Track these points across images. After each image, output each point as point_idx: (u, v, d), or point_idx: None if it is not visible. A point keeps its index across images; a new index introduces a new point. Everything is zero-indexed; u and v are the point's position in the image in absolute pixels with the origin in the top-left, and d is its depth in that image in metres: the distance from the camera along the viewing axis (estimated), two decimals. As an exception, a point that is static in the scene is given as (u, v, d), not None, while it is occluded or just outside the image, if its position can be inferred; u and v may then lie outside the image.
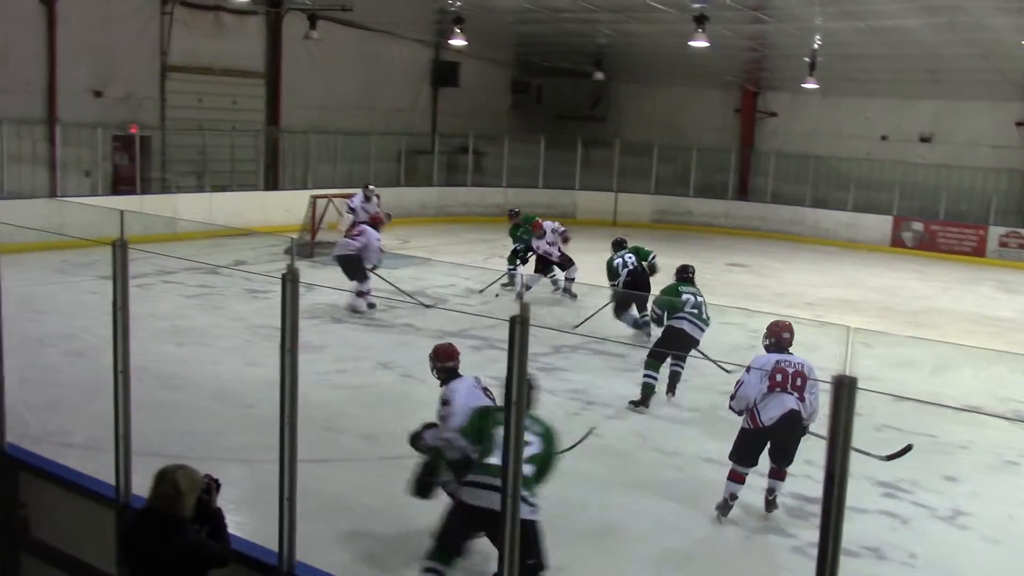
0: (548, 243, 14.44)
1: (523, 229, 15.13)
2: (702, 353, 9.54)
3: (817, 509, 3.17)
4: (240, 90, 21.09)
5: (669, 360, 9.39)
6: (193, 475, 4.00)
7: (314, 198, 17.47)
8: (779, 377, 6.67)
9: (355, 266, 12.64)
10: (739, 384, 6.87)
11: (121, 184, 18.55)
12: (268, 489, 4.36)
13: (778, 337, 7.04)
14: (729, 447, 6.92)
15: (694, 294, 9.43)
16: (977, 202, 23.22)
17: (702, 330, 9.32)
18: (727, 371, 9.60)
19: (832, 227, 24.23)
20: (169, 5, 18.97)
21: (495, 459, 4.90)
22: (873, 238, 23.72)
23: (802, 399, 6.61)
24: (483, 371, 9.70)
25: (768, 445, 6.75)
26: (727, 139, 27.08)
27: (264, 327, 10.98)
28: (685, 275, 9.72)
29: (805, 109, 26.07)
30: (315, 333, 10.97)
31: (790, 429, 6.61)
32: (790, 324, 7.11)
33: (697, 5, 16.11)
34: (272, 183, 21.55)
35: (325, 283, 14.14)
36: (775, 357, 6.85)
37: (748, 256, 20.82)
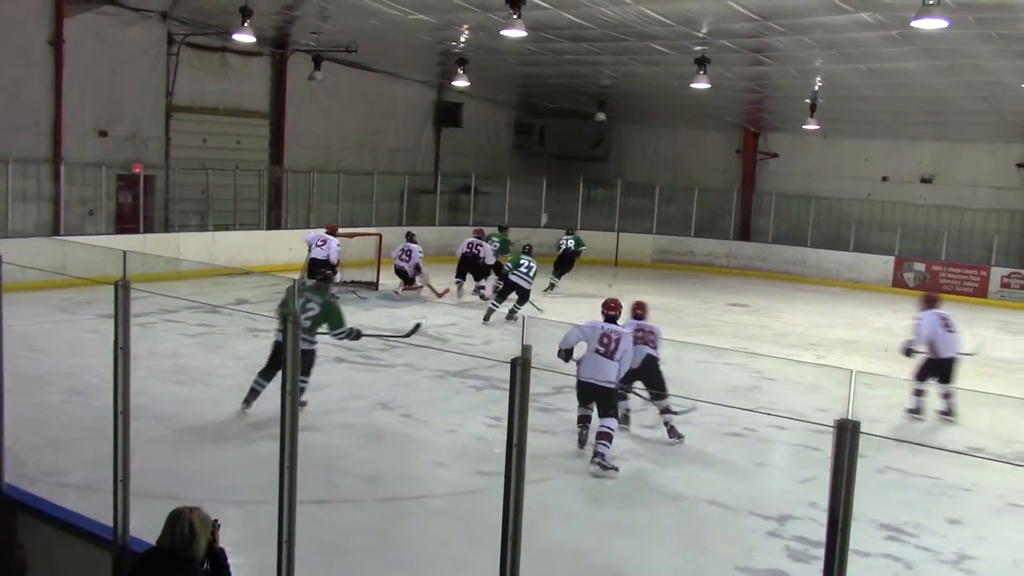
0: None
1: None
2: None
3: (820, 552, 3.14)
4: (244, 130, 21.24)
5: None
6: (206, 517, 4.00)
7: (317, 238, 17.51)
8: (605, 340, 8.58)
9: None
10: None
11: (124, 223, 18.63)
12: (267, 530, 4.33)
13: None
14: (737, 488, 6.90)
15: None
16: (978, 243, 23.25)
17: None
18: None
19: (834, 267, 24.26)
20: (175, 46, 19.16)
21: None
22: (875, 278, 23.74)
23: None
24: (484, 412, 9.73)
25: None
26: (729, 180, 27.20)
27: (265, 367, 10.95)
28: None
29: (806, 150, 26.22)
30: (316, 373, 10.91)
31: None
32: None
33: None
34: (275, 222, 21.65)
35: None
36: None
37: (750, 296, 20.81)
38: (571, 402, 10.57)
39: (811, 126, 22.37)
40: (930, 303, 11.38)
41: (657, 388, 9.29)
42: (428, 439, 9.23)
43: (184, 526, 3.89)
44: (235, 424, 9.11)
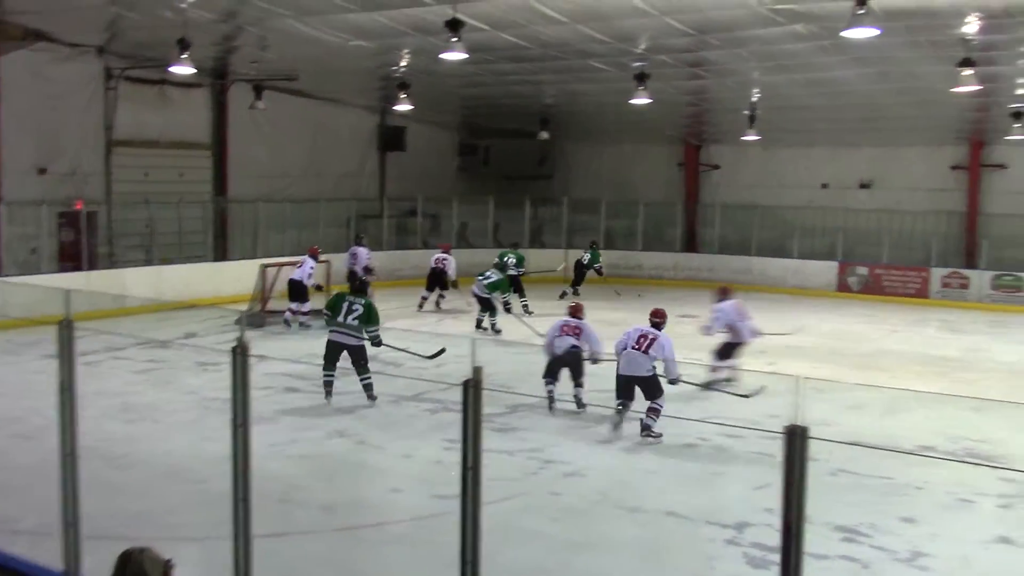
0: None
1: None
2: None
3: (778, 558, 3.18)
4: (187, 162, 21.02)
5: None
6: (156, 557, 3.92)
7: (264, 267, 17.37)
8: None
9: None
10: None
11: (67, 261, 18.30)
12: (223, 566, 4.27)
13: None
14: (694, 498, 6.94)
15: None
16: (918, 245, 23.77)
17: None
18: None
19: (779, 275, 24.59)
20: (113, 81, 18.94)
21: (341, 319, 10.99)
22: (819, 284, 24.12)
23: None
24: (440, 435, 9.70)
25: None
26: (673, 193, 27.53)
27: (216, 400, 10.79)
28: None
29: (747, 161, 26.64)
30: (268, 404, 10.83)
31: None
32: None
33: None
34: (221, 254, 21.43)
35: (278, 353, 14.04)
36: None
37: (698, 307, 20.84)
38: (527, 421, 10.62)
39: (751, 137, 22.73)
40: (725, 294, 13.10)
41: (576, 374, 11.08)
42: (384, 465, 9.18)
43: (135, 568, 3.81)
44: (187, 460, 8.99)
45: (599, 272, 22.78)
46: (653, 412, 9.96)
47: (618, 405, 10.19)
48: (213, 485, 7.87)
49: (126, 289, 17.49)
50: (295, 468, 8.89)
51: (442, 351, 11.94)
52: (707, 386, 11.94)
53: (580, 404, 11.13)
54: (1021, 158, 23.37)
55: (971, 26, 13.16)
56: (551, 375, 11.19)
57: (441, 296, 19.60)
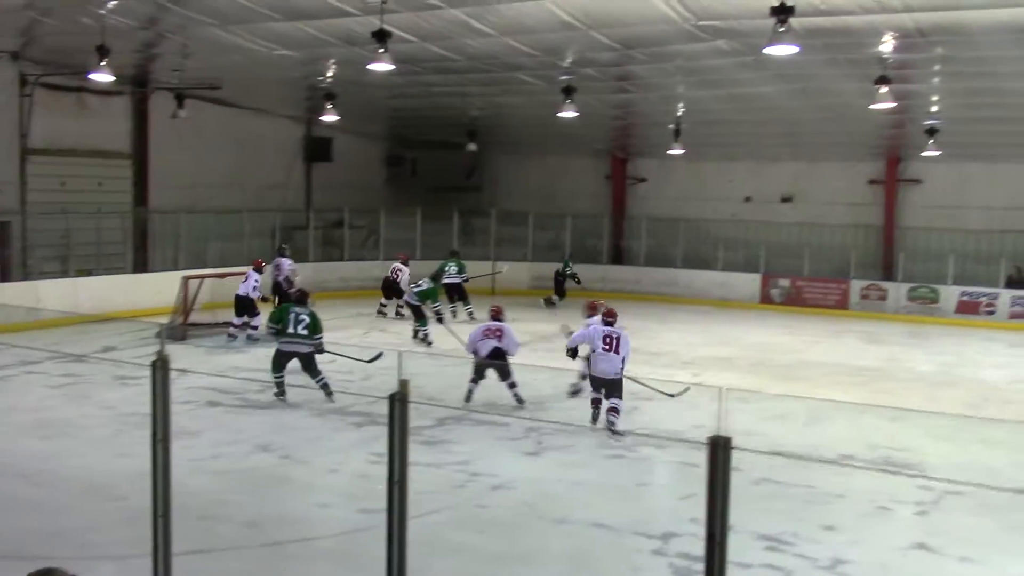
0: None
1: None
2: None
3: (703, 568, 3.21)
4: (106, 171, 20.55)
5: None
6: None
7: (186, 279, 17.04)
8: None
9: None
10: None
11: (-21, 272, 17.75)
12: (142, 587, 4.16)
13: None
14: (620, 509, 6.97)
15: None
16: (838, 258, 24.30)
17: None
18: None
19: (704, 287, 24.92)
20: (29, 87, 18.44)
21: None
22: (743, 296, 24.51)
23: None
24: (366, 449, 9.61)
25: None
26: (600, 205, 27.77)
27: (135, 415, 10.53)
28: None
29: (673, 174, 26.99)
30: (190, 418, 10.62)
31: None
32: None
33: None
34: (141, 265, 20.96)
35: (199, 366, 13.77)
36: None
37: (625, 319, 20.86)
38: (454, 434, 10.57)
39: (676, 151, 23.03)
40: (593, 310, 12.97)
41: (503, 375, 11.81)
42: (309, 480, 9.06)
43: None
44: (105, 477, 8.75)
45: (577, 280, 23.93)
46: (614, 412, 10.60)
47: (594, 400, 11.00)
48: (133, 502, 7.68)
49: (41, 301, 16.99)
50: (218, 483, 8.72)
51: (380, 355, 12.13)
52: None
53: (519, 400, 11.71)
54: (935, 173, 24.11)
55: (886, 45, 13.54)
56: (477, 375, 11.92)
57: (400, 305, 19.74)
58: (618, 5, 12.47)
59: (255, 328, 16.26)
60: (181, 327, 16.32)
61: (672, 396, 11.45)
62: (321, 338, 11.97)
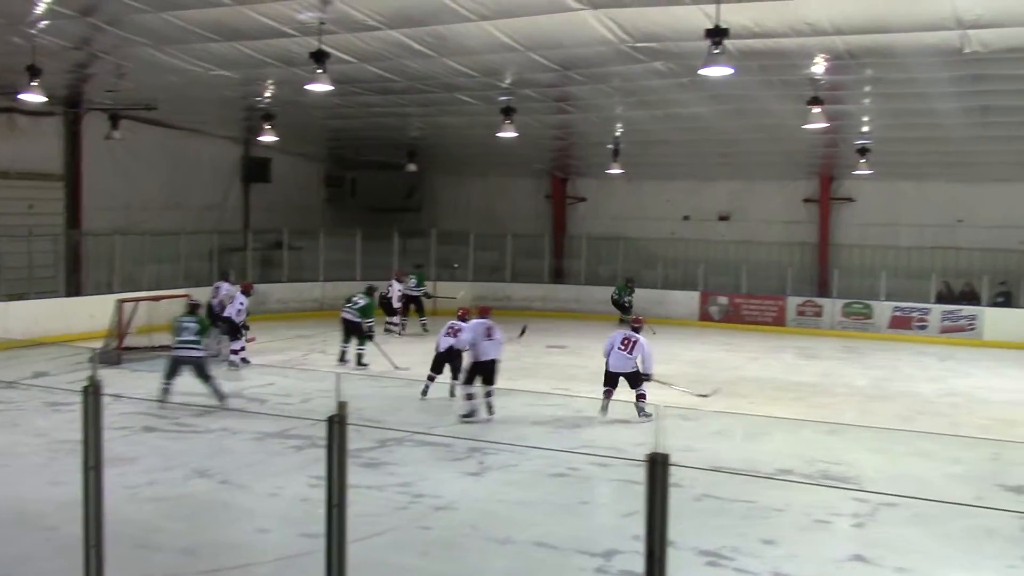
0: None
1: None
2: None
3: (642, 586, 3.22)
4: (37, 193, 20.14)
5: None
6: None
7: (120, 302, 16.72)
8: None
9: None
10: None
11: (-96, 297, 17.24)
12: (74, 618, 4.06)
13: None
14: (563, 527, 6.96)
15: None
16: (774, 275, 24.71)
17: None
18: None
19: (643, 305, 25.07)
20: (-44, 107, 18.05)
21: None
22: (682, 313, 24.76)
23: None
24: (305, 471, 9.50)
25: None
26: (540, 225, 27.92)
27: (67, 442, 10.30)
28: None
29: (612, 193, 27.27)
30: (125, 444, 10.41)
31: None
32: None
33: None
34: (74, 289, 20.52)
35: (134, 391, 13.51)
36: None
37: (566, 338, 21.26)
38: (396, 455, 10.50)
39: (615, 170, 23.25)
40: (483, 313, 13.39)
41: (455, 372, 13.41)
42: (249, 505, 8.92)
43: None
44: (36, 506, 8.53)
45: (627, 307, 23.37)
46: (640, 398, 12.62)
47: (605, 391, 12.68)
48: (65, 531, 7.50)
49: (-31, 327, 16.57)
50: (154, 510, 8.54)
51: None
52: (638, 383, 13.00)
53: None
54: (867, 192, 24.69)
55: (818, 67, 13.83)
56: (434, 370, 13.69)
57: (394, 323, 20.79)
58: (556, 27, 12.56)
59: (242, 350, 16.13)
60: (116, 351, 16.01)
61: (705, 396, 13.71)
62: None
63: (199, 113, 21.91)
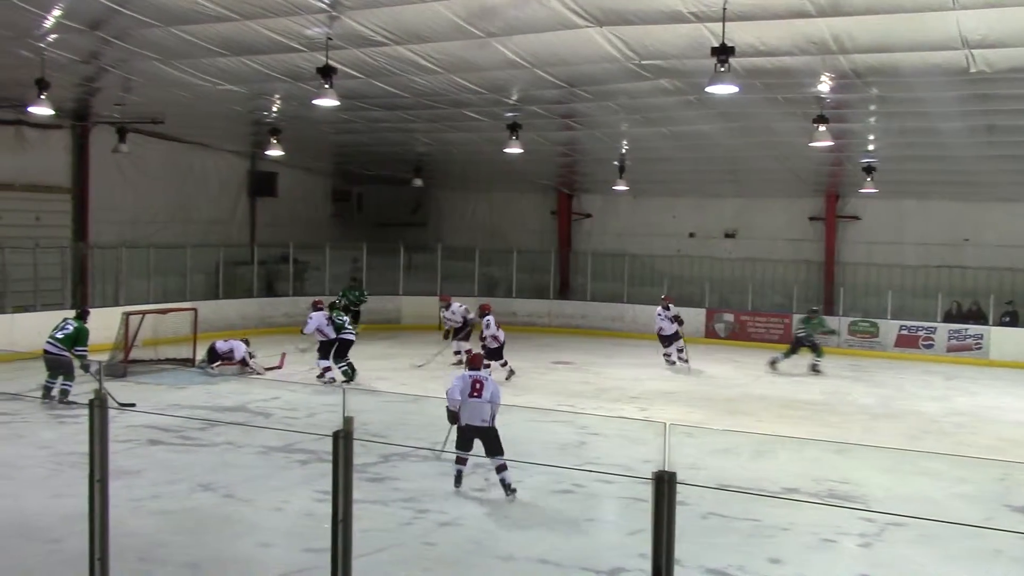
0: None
1: None
2: None
3: (648, 604, 3.20)
4: (44, 206, 20.22)
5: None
6: None
7: (126, 315, 16.75)
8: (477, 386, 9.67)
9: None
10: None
11: (-89, 309, 17.27)
12: (77, 632, 4.05)
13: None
14: (568, 545, 6.94)
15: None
16: (780, 292, 24.68)
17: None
18: None
19: (650, 322, 24.84)
20: (-36, 120, 18.12)
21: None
22: (688, 330, 24.49)
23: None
24: (311, 487, 9.49)
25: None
26: (546, 241, 27.93)
27: (73, 454, 10.32)
28: None
29: (617, 210, 27.29)
30: (129, 457, 10.40)
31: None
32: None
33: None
34: (81, 301, 20.53)
35: (140, 404, 13.52)
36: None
37: (572, 353, 21.25)
38: (400, 471, 10.48)
39: (621, 187, 23.28)
40: (316, 307, 16.52)
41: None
42: (253, 519, 8.90)
43: None
44: (41, 518, 8.52)
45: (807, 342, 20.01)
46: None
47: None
48: (69, 544, 7.48)
49: (-25, 339, 16.60)
50: (158, 524, 8.53)
51: (132, 404, 12.88)
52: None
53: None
54: (873, 210, 24.65)
55: (824, 85, 13.85)
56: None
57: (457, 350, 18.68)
58: (563, 44, 12.59)
59: (328, 370, 16.37)
60: (121, 364, 16.05)
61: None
62: (85, 352, 13.54)
63: (206, 127, 21.98)
